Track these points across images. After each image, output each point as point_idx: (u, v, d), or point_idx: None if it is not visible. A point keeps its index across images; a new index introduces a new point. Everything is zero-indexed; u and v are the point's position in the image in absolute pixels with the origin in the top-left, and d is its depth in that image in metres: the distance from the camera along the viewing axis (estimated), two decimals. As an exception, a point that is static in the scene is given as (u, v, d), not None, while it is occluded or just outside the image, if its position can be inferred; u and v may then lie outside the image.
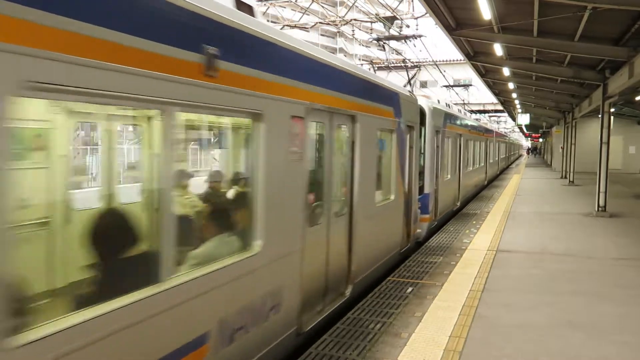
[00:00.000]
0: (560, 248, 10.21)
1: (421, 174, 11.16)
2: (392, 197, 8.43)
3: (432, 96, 13.99)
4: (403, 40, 14.14)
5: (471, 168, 19.18)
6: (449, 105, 15.93)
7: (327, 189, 5.97)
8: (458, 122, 15.80)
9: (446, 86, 27.72)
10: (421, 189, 11.14)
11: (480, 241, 10.70)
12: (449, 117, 14.15)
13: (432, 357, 4.93)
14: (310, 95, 5.21)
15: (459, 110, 18.47)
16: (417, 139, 10.14)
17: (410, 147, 9.50)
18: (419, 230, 10.56)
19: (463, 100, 30.08)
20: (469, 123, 18.94)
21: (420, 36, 13.93)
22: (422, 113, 11.08)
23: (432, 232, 11.83)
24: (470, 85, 30.16)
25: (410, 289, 7.12)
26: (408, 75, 12.76)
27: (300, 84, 5.02)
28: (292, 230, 4.98)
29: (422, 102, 11.43)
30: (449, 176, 14.10)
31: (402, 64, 14.19)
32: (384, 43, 13.39)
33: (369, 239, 7.28)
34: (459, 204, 15.92)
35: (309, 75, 5.25)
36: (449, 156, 14.18)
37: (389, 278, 7.72)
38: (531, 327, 5.81)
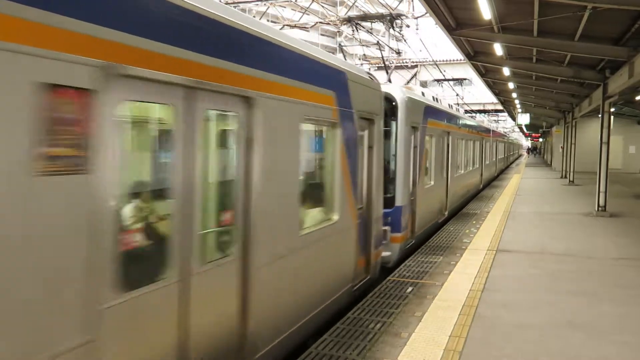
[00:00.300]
0: (560, 248, 10.21)
1: (391, 181, 9.05)
2: (335, 217, 6.10)
3: (416, 88, 12.31)
4: (386, 25, 12.58)
5: (462, 171, 16.90)
6: (436, 99, 13.66)
7: (179, 221, 3.51)
8: (445, 117, 13.45)
9: (437, 80, 25.53)
10: (391, 200, 8.97)
11: (480, 241, 10.71)
12: (432, 112, 11.69)
13: (432, 357, 4.93)
14: (116, 49, 2.89)
15: (450, 106, 16.20)
16: (380, 137, 7.68)
17: (370, 148, 7.27)
18: (386, 254, 8.48)
19: (457, 95, 28.98)
20: (460, 119, 16.69)
21: (399, 16, 12.59)
22: (392, 104, 9.13)
23: (411, 250, 9.82)
24: (465, 79, 28.42)
25: (410, 289, 7.13)
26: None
27: (66, 23, 2.59)
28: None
29: (393, 90, 9.30)
30: (431, 182, 11.79)
31: (403, 64, 14.06)
32: (357, 23, 12.22)
33: (285, 288, 4.91)
34: (446, 213, 13.65)
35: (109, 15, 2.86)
36: (433, 158, 11.91)
37: (389, 278, 7.73)
38: (531, 327, 5.81)
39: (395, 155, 9.23)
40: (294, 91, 4.98)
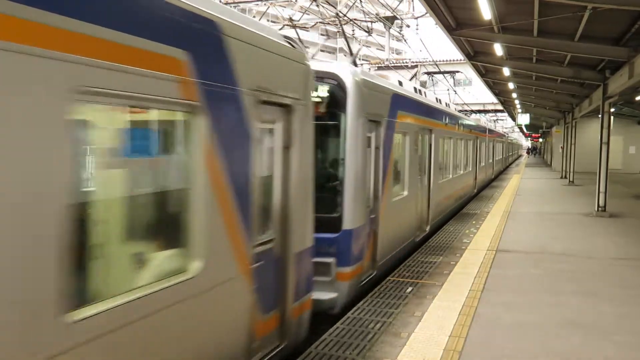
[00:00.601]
0: (560, 248, 10.21)
1: (336, 195, 6.80)
2: (195, 268, 3.56)
3: (392, 77, 10.17)
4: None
5: (451, 176, 14.44)
6: (419, 90, 11.84)
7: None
8: (425, 111, 11.05)
9: (427, 73, 22.94)
10: (336, 222, 6.73)
11: (480, 241, 10.71)
12: (405, 103, 9.34)
13: (432, 357, 4.93)
14: None
15: (438, 100, 13.89)
16: (307, 131, 5.25)
17: (286, 148, 4.94)
18: (328, 297, 6.55)
19: (455, 92, 27.49)
20: (448, 115, 13.91)
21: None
22: (339, 89, 6.83)
23: (373, 284, 7.59)
24: (458, 72, 26.38)
25: (410, 289, 7.13)
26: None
27: None
28: None
29: (338, 69, 6.98)
30: (404, 193, 9.30)
31: (403, 63, 14.00)
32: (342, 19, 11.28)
33: None
34: (428, 228, 11.29)
35: None
36: (407, 162, 9.46)
37: (389, 278, 7.73)
38: (531, 327, 5.81)
39: (343, 159, 6.83)
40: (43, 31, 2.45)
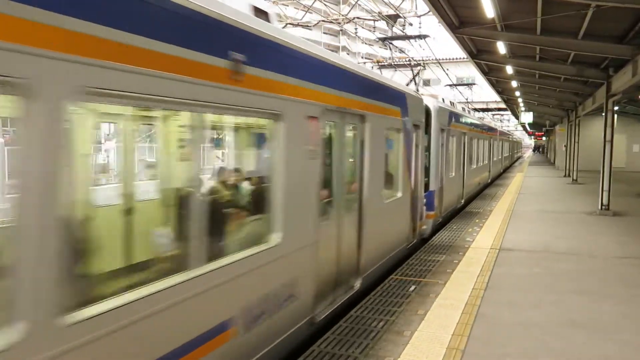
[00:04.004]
0: (563, 247, 10.20)
1: (426, 172, 11.37)
2: (399, 194, 8.83)
3: (439, 95, 14.31)
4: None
5: (475, 166, 19.54)
6: (453, 103, 16.26)
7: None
8: (462, 120, 16.07)
9: (450, 85, 27.81)
10: (426, 186, 11.44)
11: (483, 239, 10.71)
12: (454, 116, 14.41)
13: (435, 355, 4.94)
14: None
15: (466, 110, 19.02)
16: (423, 138, 10.36)
17: (416, 146, 9.88)
18: (422, 227, 10.78)
19: (467, 99, 29.86)
20: (473, 121, 19.28)
21: (424, 36, 14.03)
22: (428, 112, 11.36)
23: (440, 226, 12.26)
24: (474, 84, 30.07)
25: (413, 287, 7.14)
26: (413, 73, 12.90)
27: None
28: None
29: (428, 101, 11.59)
30: (453, 174, 14.27)
31: (406, 62, 14.24)
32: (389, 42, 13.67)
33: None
34: (462, 201, 16.26)
35: None
36: (454, 154, 14.40)
37: (391, 276, 7.74)
38: (533, 326, 5.81)
39: (429, 152, 11.55)
40: (384, 110, 7.62)
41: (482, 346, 5.22)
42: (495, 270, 8.22)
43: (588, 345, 5.33)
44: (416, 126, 9.63)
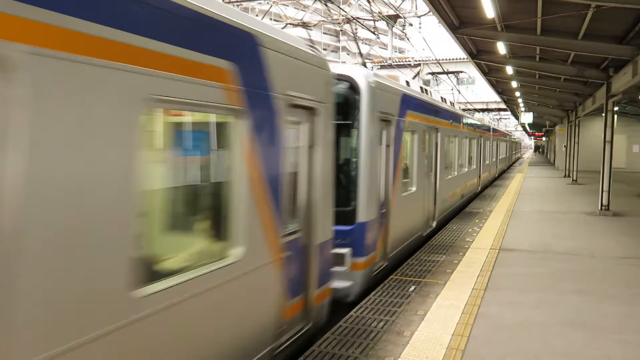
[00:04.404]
0: (563, 247, 10.19)
1: (351, 190, 7.08)
2: (235, 255, 3.96)
3: (406, 79, 10.95)
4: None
5: (456, 173, 14.92)
6: (426, 90, 12.28)
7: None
8: (433, 111, 11.53)
9: (431, 73, 22.96)
10: (350, 215, 7.01)
11: (483, 240, 10.70)
12: (414, 103, 9.78)
13: (435, 356, 4.94)
14: None
15: (443, 100, 14.54)
16: (327, 133, 5.56)
17: (310, 147, 5.28)
18: (343, 285, 6.82)
19: (459, 92, 28.21)
20: (454, 114, 14.69)
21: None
22: (353, 90, 7.16)
23: (385, 275, 8.01)
24: (462, 72, 26.66)
25: (413, 288, 7.13)
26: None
27: None
28: None
29: (352, 72, 7.32)
30: (413, 188, 9.74)
31: (405, 62, 14.07)
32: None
33: None
34: (434, 224, 11.64)
35: None
36: (415, 159, 9.95)
37: (391, 276, 7.73)
38: (534, 326, 5.81)
39: (357, 157, 7.11)
40: (129, 50, 2.83)
41: (483, 346, 5.21)
42: (495, 271, 8.21)
43: (589, 345, 5.32)
44: (305, 110, 5.08)
